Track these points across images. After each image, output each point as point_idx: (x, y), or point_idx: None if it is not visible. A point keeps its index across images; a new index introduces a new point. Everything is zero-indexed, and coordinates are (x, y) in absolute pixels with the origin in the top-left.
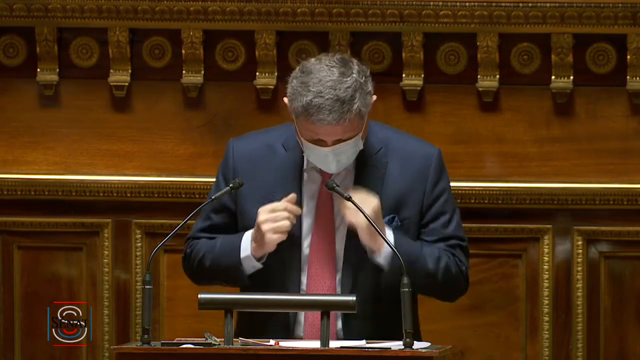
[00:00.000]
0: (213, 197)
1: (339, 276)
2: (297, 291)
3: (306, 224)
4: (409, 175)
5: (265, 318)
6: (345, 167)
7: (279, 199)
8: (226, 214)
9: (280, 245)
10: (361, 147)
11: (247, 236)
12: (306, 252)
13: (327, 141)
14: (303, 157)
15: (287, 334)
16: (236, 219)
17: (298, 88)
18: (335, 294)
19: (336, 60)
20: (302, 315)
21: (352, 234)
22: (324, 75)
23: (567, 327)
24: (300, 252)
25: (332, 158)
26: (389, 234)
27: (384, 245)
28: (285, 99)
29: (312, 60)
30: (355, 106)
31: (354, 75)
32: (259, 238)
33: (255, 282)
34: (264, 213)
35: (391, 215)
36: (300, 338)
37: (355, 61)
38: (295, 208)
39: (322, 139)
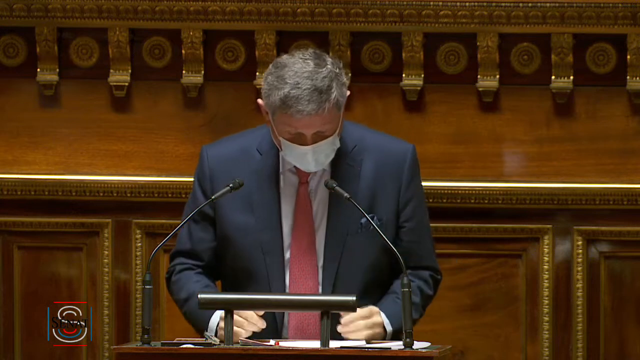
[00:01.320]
0: (212, 197)
1: (320, 277)
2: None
3: (286, 226)
4: (384, 172)
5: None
6: (324, 165)
7: (257, 203)
8: (207, 222)
9: (262, 250)
10: (338, 144)
11: (214, 321)
12: (287, 256)
13: (307, 134)
14: (279, 160)
15: (273, 336)
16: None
17: (274, 82)
18: (335, 294)
19: (309, 53)
20: (286, 318)
21: (332, 232)
22: (299, 67)
23: (567, 327)
24: (282, 256)
25: (311, 157)
26: (384, 319)
27: (387, 332)
28: (260, 100)
29: (285, 55)
30: (333, 95)
31: (329, 66)
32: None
33: (239, 288)
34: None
35: (370, 215)
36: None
37: (327, 55)
38: (260, 325)
39: (301, 133)
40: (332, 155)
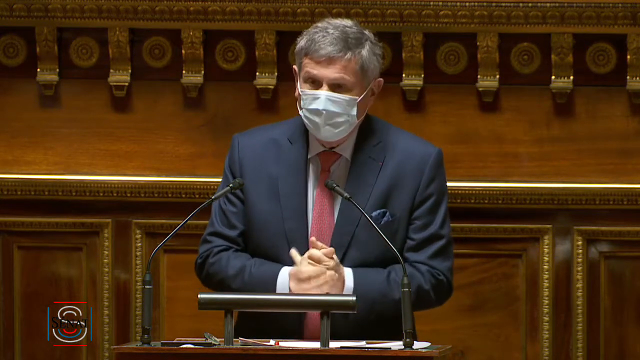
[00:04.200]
0: (213, 197)
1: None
2: None
3: (309, 215)
4: (405, 171)
5: (272, 319)
6: (339, 137)
7: (284, 191)
8: (241, 203)
9: (287, 239)
10: (355, 119)
11: (284, 276)
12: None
13: (323, 81)
14: (307, 148)
15: (295, 335)
16: None
17: (308, 30)
18: (336, 294)
19: (353, 22)
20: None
21: (342, 221)
22: (336, 21)
23: (567, 327)
24: (307, 244)
25: (323, 104)
26: (349, 276)
27: (344, 287)
28: (294, 66)
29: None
30: (359, 50)
31: (367, 33)
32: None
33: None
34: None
35: (382, 210)
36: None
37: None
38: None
39: (319, 80)
40: (346, 129)
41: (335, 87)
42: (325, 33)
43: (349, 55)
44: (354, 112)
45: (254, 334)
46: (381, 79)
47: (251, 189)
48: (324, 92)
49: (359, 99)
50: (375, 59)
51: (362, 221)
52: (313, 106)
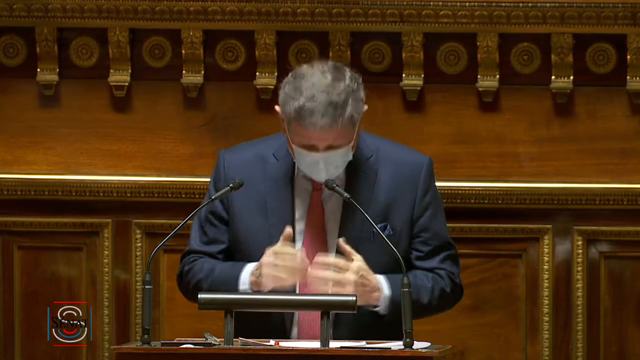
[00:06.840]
0: (213, 197)
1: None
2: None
3: (297, 231)
4: (400, 183)
5: (260, 319)
6: (335, 175)
7: (271, 207)
8: (222, 224)
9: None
10: (351, 157)
11: (248, 271)
12: None
13: (319, 146)
14: (294, 164)
15: (282, 335)
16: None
17: (290, 92)
18: (335, 294)
19: (329, 66)
20: (296, 317)
21: (343, 231)
22: (316, 80)
23: (567, 327)
24: None
25: (322, 165)
26: (383, 282)
27: (381, 295)
28: (277, 107)
29: (305, 66)
30: (348, 111)
31: (347, 81)
32: (258, 275)
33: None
34: (270, 255)
35: (383, 224)
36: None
37: (347, 69)
38: (302, 265)
39: (314, 144)
40: (343, 167)
41: (331, 147)
42: (312, 102)
43: (339, 121)
44: (350, 155)
45: (246, 334)
46: (366, 105)
47: (238, 204)
48: (320, 157)
49: (353, 143)
50: (360, 105)
51: (362, 235)
52: (314, 174)
